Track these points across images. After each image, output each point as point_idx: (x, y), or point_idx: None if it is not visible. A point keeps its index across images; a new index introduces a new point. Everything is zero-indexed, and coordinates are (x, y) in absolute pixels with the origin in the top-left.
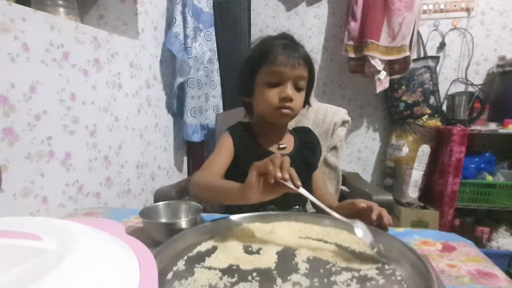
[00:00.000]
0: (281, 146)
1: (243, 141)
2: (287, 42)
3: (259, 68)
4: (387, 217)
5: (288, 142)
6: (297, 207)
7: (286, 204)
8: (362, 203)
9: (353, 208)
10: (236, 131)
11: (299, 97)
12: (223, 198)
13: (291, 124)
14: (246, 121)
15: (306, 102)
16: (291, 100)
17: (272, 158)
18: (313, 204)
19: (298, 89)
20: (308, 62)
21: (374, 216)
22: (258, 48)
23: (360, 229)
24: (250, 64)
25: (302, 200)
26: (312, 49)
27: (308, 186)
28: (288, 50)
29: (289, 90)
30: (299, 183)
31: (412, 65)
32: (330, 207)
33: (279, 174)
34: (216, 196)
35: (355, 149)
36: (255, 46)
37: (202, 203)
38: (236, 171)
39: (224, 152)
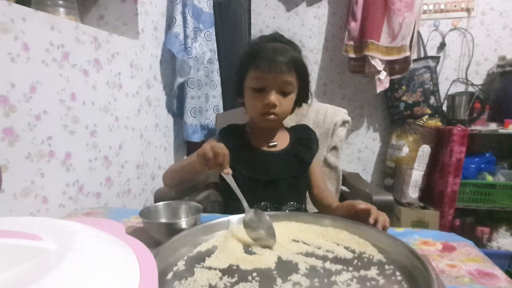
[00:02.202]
0: (271, 144)
1: (233, 141)
2: (276, 45)
3: (247, 71)
4: (381, 224)
5: (283, 140)
6: (292, 202)
7: (279, 200)
8: (361, 204)
9: (352, 210)
10: (226, 132)
11: (285, 102)
12: (185, 174)
13: (291, 123)
14: (239, 123)
15: (304, 102)
16: (274, 106)
17: (210, 148)
18: (313, 199)
19: (284, 93)
20: (296, 65)
21: (371, 220)
22: (248, 50)
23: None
24: (240, 66)
25: (296, 196)
26: (312, 49)
27: (303, 180)
28: (274, 55)
29: (273, 96)
30: (226, 170)
31: (412, 65)
32: (329, 206)
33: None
34: (180, 175)
35: (355, 149)
36: (247, 47)
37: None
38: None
39: None
